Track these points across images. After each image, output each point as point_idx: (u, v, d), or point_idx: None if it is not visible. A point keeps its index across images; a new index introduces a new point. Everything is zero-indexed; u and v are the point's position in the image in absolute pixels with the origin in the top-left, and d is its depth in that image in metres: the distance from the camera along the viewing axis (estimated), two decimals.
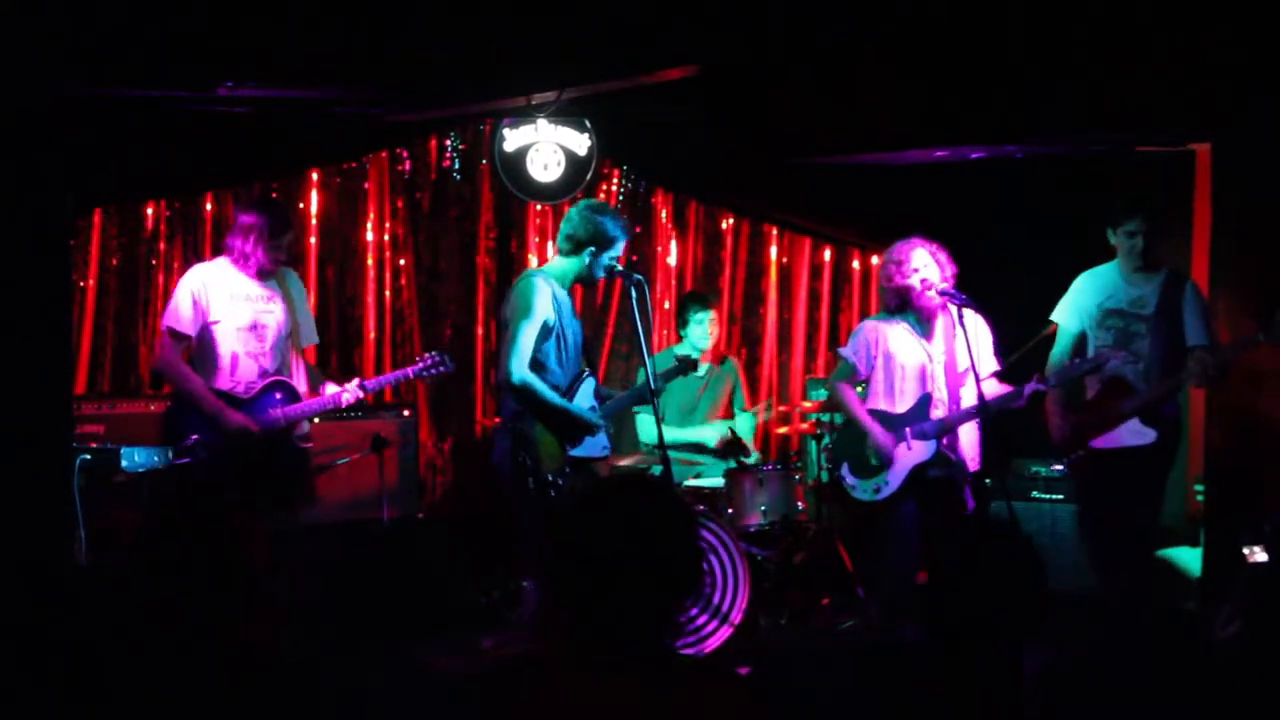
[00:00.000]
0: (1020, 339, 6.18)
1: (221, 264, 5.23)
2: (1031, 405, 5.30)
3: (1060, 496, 6.40)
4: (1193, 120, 6.25)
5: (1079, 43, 5.88)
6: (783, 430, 7.40)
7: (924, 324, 5.24)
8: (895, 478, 5.23)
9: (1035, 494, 6.50)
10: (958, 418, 5.16)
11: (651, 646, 2.19)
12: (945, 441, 5.18)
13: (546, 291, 5.05)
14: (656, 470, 5.56)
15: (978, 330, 5.25)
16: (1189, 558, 6.14)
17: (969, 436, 5.25)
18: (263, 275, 5.21)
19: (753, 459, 6.70)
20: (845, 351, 5.43)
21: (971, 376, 5.12)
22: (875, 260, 7.86)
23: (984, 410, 5.08)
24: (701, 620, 5.68)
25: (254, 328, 5.16)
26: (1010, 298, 6.05)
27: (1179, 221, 6.65)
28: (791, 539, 6.26)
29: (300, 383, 5.29)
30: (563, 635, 2.21)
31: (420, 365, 5.44)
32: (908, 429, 5.21)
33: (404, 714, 4.43)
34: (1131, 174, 6.89)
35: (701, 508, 6.02)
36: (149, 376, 6.33)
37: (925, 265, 5.17)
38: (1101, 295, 5.37)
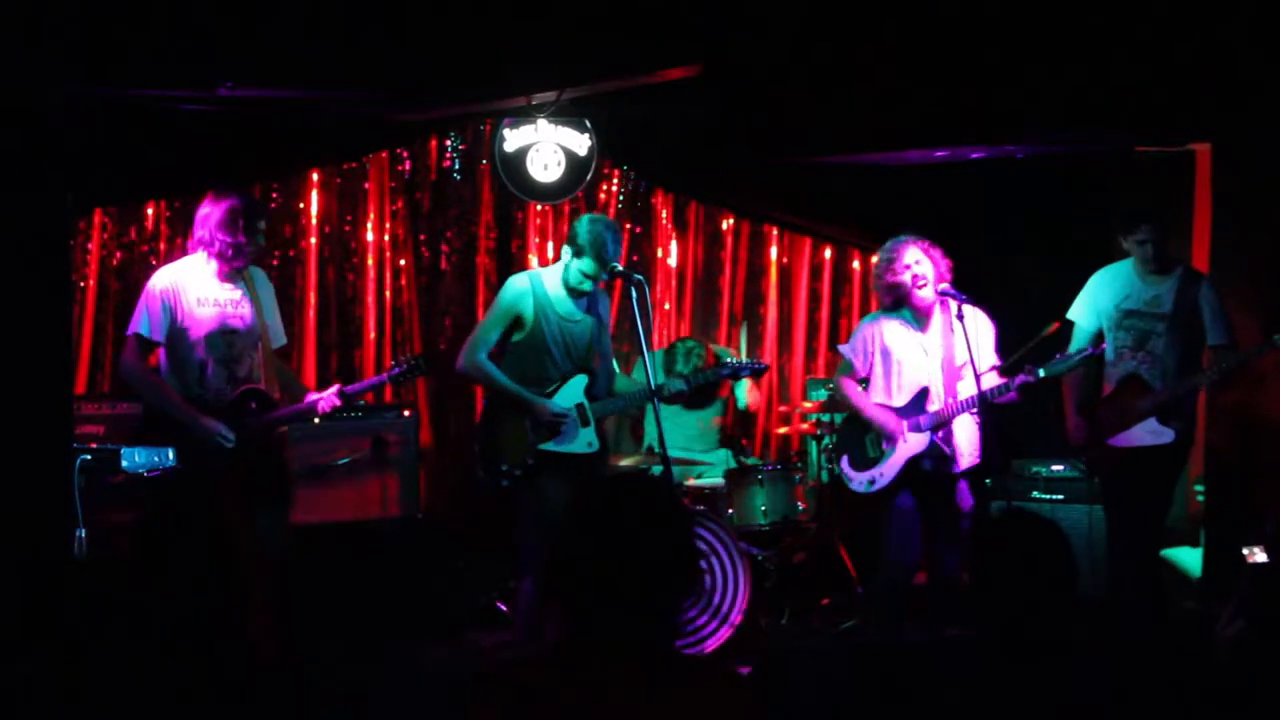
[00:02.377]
0: (1021, 338, 6.18)
1: (187, 266, 4.95)
2: (1032, 405, 5.30)
3: (1060, 496, 6.40)
4: (1193, 120, 6.25)
5: (1079, 43, 5.88)
6: (783, 430, 7.41)
7: (920, 319, 5.27)
8: (890, 470, 5.26)
9: (1035, 494, 6.50)
10: (954, 410, 5.18)
11: (650, 646, 2.19)
12: (940, 435, 5.20)
13: (523, 289, 5.11)
14: (657, 470, 5.57)
15: (978, 325, 5.27)
16: (1189, 558, 6.15)
17: (966, 432, 5.26)
18: (230, 277, 4.95)
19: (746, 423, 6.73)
20: (845, 349, 5.47)
21: (969, 371, 5.15)
22: (875, 260, 7.86)
23: (980, 404, 5.10)
24: (701, 620, 5.68)
25: (224, 333, 4.92)
26: (1011, 297, 6.06)
27: (1179, 221, 6.65)
28: (791, 539, 6.26)
29: (273, 388, 5.09)
30: (561, 635, 2.21)
31: (395, 370, 5.30)
32: (905, 421, 5.22)
33: (404, 714, 4.43)
34: (1131, 174, 6.89)
35: (701, 508, 6.03)
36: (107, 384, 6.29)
37: (917, 261, 5.20)
38: (1119, 296, 5.37)
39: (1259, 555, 5.06)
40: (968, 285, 5.27)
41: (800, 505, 6.25)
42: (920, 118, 6.42)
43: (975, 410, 5.20)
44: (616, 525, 2.19)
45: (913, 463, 5.22)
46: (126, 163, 5.91)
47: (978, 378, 5.02)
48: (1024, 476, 6.53)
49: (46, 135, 4.55)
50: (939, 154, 6.99)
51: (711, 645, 5.65)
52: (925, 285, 5.18)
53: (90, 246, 6.45)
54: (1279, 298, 5.85)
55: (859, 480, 5.37)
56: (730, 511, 6.09)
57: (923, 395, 5.23)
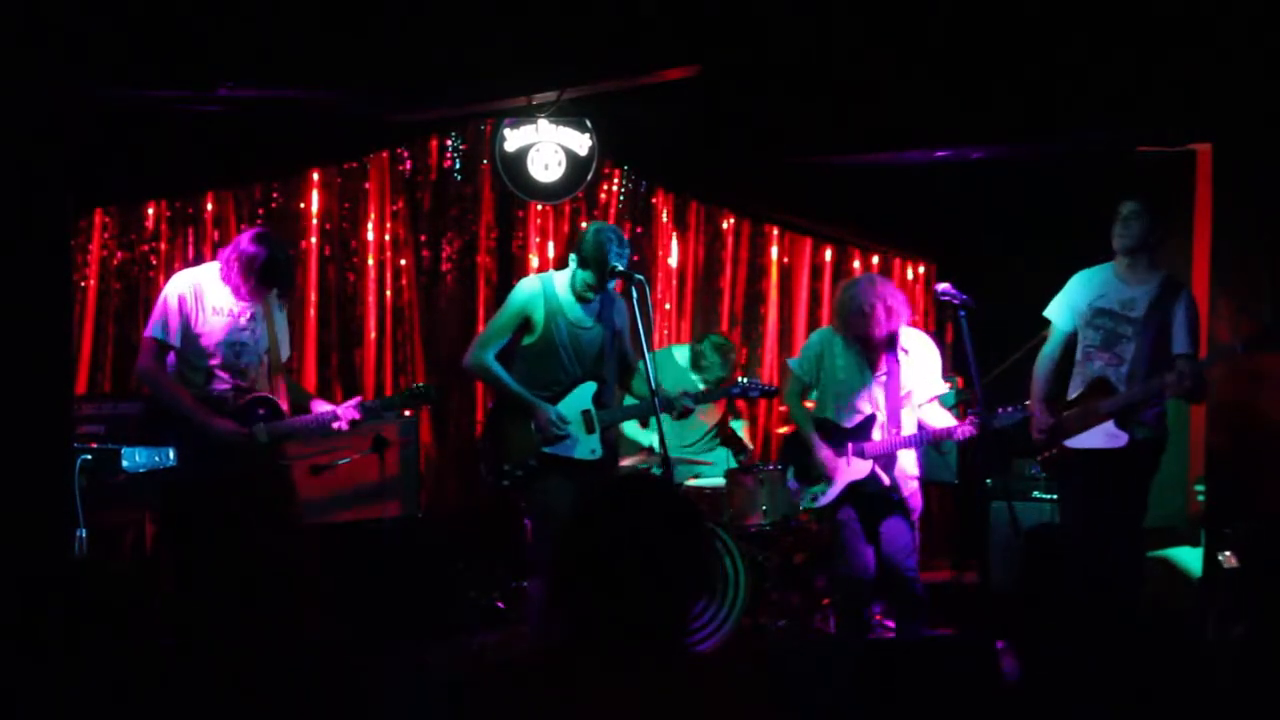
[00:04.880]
0: (1020, 339, 6.18)
1: (208, 272, 5.03)
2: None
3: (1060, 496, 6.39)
4: (1193, 120, 6.25)
5: (1079, 42, 5.88)
6: (783, 430, 7.40)
7: (870, 348, 5.31)
8: (833, 490, 5.33)
9: (1036, 494, 6.50)
10: (899, 443, 5.24)
11: (654, 647, 2.19)
12: (881, 463, 5.27)
13: (534, 292, 5.09)
14: (657, 470, 5.57)
15: (925, 354, 5.33)
16: (1189, 558, 6.14)
17: (908, 455, 5.34)
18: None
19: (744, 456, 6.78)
20: (795, 365, 5.53)
21: (914, 400, 5.29)
22: (876, 260, 7.86)
23: (920, 441, 5.26)
24: (702, 620, 5.69)
25: (233, 343, 4.98)
26: (1010, 298, 6.05)
27: (1179, 221, 6.65)
28: (791, 539, 6.27)
29: (280, 399, 5.11)
30: (565, 635, 2.21)
31: (404, 392, 5.36)
32: (850, 444, 5.29)
33: (404, 714, 4.44)
34: (1131, 174, 6.89)
35: (701, 509, 6.02)
36: (133, 383, 6.32)
37: (887, 312, 5.21)
38: (1094, 294, 5.33)
39: (1232, 561, 5.07)
40: (968, 285, 5.27)
41: (800, 505, 6.26)
42: (920, 118, 6.42)
43: (916, 445, 5.31)
44: (626, 527, 2.19)
45: (855, 486, 5.31)
46: (126, 163, 5.91)
47: (980, 403, 5.05)
48: (1024, 476, 6.53)
49: (46, 135, 4.54)
50: (939, 154, 7.00)
51: (712, 645, 5.66)
52: (883, 336, 5.23)
53: (91, 247, 6.45)
54: (1279, 298, 5.84)
55: (804, 494, 5.46)
56: (730, 511, 6.09)
57: (868, 423, 5.29)
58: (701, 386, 6.48)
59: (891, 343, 5.28)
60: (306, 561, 5.19)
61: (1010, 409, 5.22)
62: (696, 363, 6.66)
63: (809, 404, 5.58)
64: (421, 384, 5.48)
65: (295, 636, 4.85)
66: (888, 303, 5.19)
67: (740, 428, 6.94)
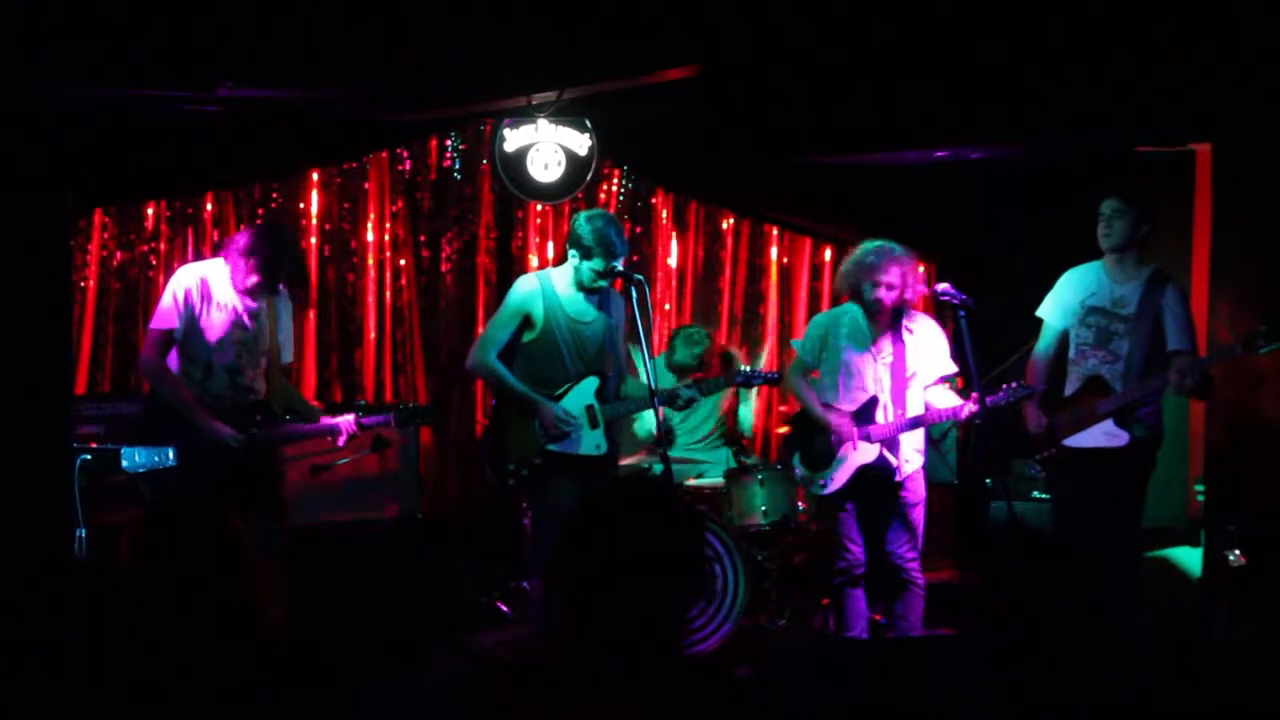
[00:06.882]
0: (1020, 339, 6.18)
1: (213, 268, 5.01)
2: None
3: None
4: (1193, 120, 6.25)
5: (1079, 43, 5.88)
6: (783, 430, 7.40)
7: (874, 326, 5.31)
8: (841, 476, 5.33)
9: (1035, 494, 6.49)
10: (905, 425, 5.24)
11: (653, 647, 2.19)
12: (887, 445, 5.27)
13: (532, 290, 5.09)
14: (658, 469, 5.57)
15: (931, 336, 5.33)
16: (1189, 558, 6.14)
17: (911, 438, 5.35)
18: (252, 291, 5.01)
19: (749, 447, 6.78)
20: (797, 344, 5.57)
21: (918, 382, 5.29)
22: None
23: (924, 422, 5.25)
24: (701, 621, 5.69)
25: (235, 340, 4.96)
26: (1010, 298, 6.05)
27: (1179, 221, 6.65)
28: (791, 539, 6.27)
29: (276, 403, 5.09)
30: (564, 635, 2.21)
31: (400, 412, 5.35)
32: (855, 429, 5.29)
33: (404, 714, 4.43)
34: (1131, 174, 6.89)
35: (701, 508, 6.03)
36: (134, 381, 6.30)
37: (890, 286, 5.23)
38: (1084, 292, 5.34)
39: (1243, 559, 5.07)
40: (968, 285, 5.27)
41: (800, 505, 6.26)
42: (920, 118, 6.42)
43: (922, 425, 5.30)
44: (624, 526, 2.19)
45: (861, 470, 5.30)
46: (126, 163, 5.91)
47: (980, 389, 5.04)
48: (1024, 476, 6.52)
49: (46, 135, 4.55)
50: (939, 154, 7.00)
51: (711, 645, 5.66)
52: (888, 307, 5.23)
53: (90, 247, 6.45)
54: (1279, 298, 5.84)
55: (810, 480, 5.45)
56: (730, 511, 6.09)
57: (871, 404, 5.29)
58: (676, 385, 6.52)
59: (896, 321, 5.28)
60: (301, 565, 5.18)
61: (1014, 385, 5.21)
62: (669, 360, 6.67)
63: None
64: (421, 405, 5.49)
65: (292, 636, 4.85)
66: (902, 268, 5.20)
67: (748, 410, 6.93)
